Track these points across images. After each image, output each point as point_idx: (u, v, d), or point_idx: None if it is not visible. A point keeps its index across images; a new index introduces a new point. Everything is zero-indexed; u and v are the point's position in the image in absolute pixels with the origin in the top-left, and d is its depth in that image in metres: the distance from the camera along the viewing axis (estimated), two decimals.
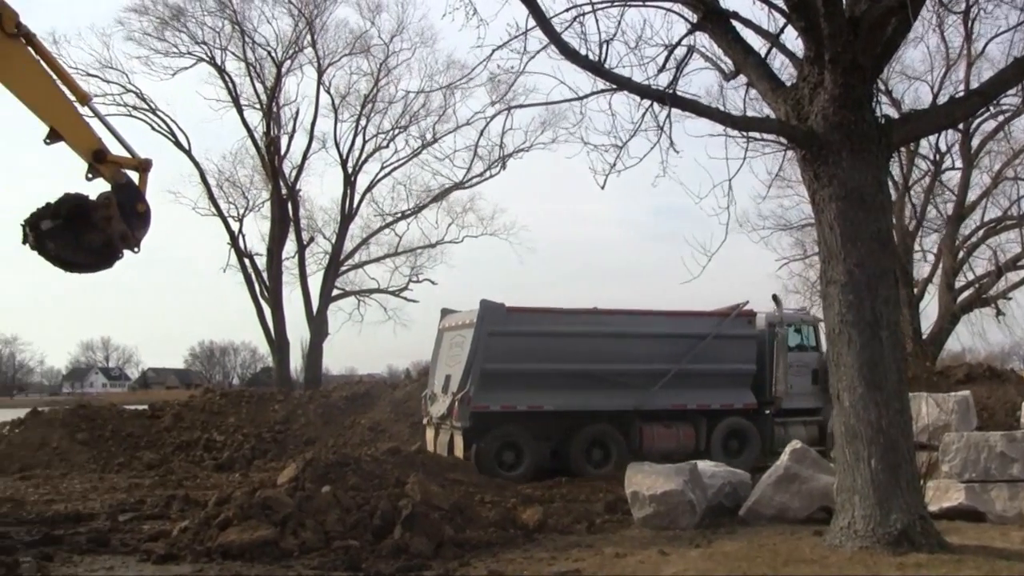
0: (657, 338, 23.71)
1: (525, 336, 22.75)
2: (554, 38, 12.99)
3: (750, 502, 15.26)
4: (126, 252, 17.50)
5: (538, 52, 13.65)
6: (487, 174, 48.69)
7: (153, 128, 46.84)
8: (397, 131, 49.51)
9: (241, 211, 49.77)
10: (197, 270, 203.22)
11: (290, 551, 12.31)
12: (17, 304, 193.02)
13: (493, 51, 13.77)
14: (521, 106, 15.97)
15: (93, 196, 17.28)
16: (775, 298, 25.31)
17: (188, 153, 47.70)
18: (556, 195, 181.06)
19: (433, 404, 23.99)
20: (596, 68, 13.21)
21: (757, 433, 24.32)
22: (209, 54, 47.27)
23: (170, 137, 47.14)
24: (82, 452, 27.73)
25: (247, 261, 48.40)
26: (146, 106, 46.83)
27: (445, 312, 26.08)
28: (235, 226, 49.14)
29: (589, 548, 12.84)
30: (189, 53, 47.01)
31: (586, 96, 14.02)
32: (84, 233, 16.96)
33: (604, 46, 13.42)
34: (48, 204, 17.05)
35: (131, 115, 46.16)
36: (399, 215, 50.62)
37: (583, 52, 13.18)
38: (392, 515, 12.93)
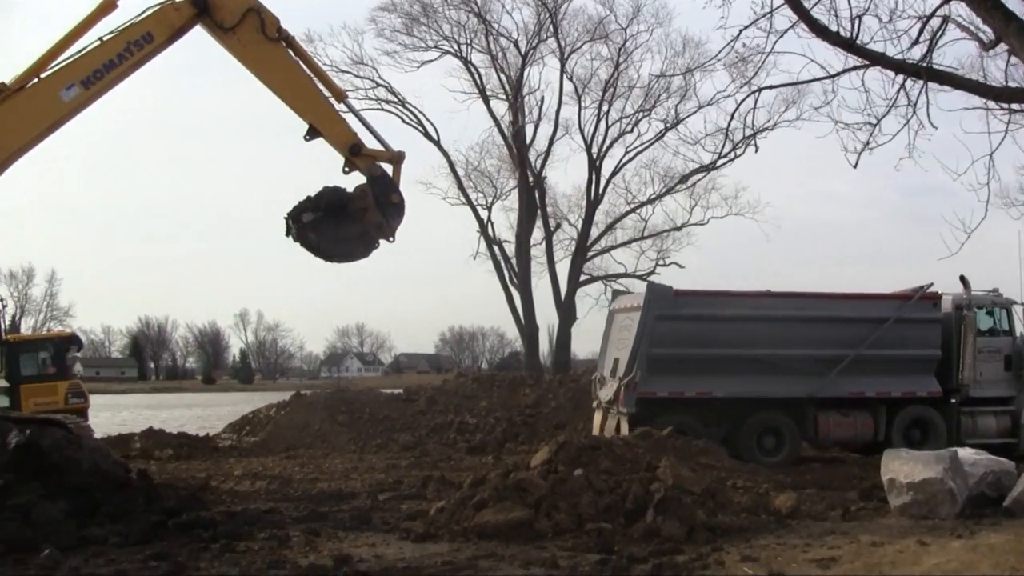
0: (833, 322, 22.78)
1: (693, 320, 22.25)
2: (804, 15, 12.74)
3: (1016, 492, 14.52)
4: (381, 242, 18.17)
5: (786, 31, 13.44)
6: (732, 155, 47.92)
7: (404, 121, 48.23)
8: (640, 115, 49.38)
9: (489, 200, 50.76)
10: (447, 258, 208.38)
11: (544, 532, 12.48)
12: (279, 293, 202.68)
13: (740, 31, 13.61)
14: (771, 87, 15.71)
15: (350, 189, 18.02)
16: (962, 279, 23.89)
17: (437, 144, 48.90)
18: (797, 174, 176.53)
19: (602, 388, 23.75)
20: (848, 44, 12.88)
21: (942, 423, 23.01)
22: (455, 47, 48.29)
23: (419, 129, 48.43)
24: (342, 433, 28.91)
25: (496, 248, 49.27)
26: (396, 99, 48.25)
27: (616, 294, 25.81)
28: (484, 214, 50.18)
29: (844, 536, 12.51)
30: (436, 47, 48.13)
31: (837, 74, 13.70)
32: (342, 224, 17.67)
33: (856, 21, 13.06)
34: (308, 197, 17.83)
35: (382, 109, 47.66)
36: (645, 199, 50.48)
37: (834, 28, 12.87)
38: (644, 499, 12.92)
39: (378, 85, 47.94)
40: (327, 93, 18.57)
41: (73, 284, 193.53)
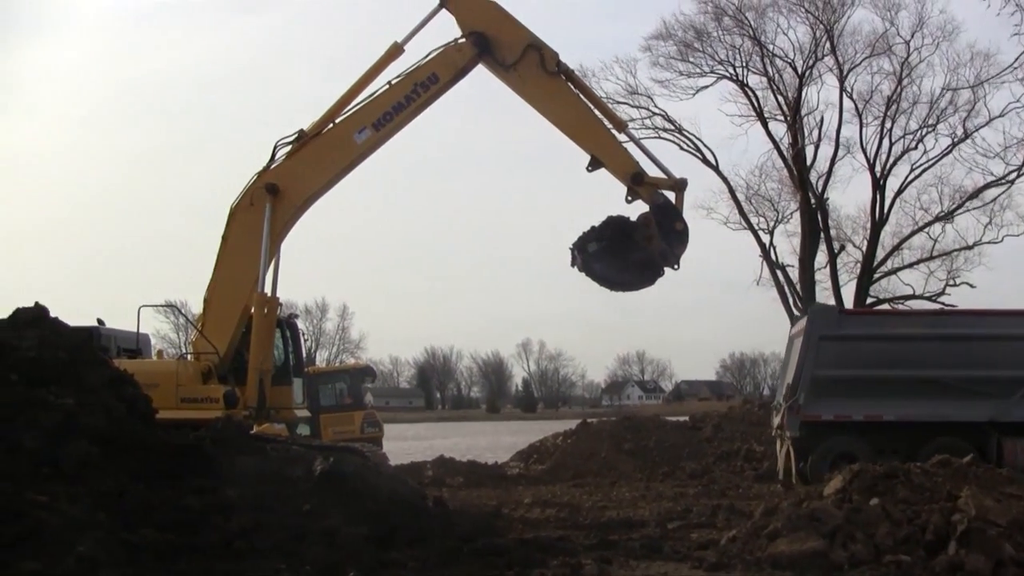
0: (1015, 341, 21.09)
1: (861, 340, 21.26)
2: None
3: None
4: (666, 269, 18.21)
5: None
6: None
7: (681, 148, 48.04)
8: (924, 131, 47.45)
9: (771, 224, 49.87)
10: (728, 283, 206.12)
11: (840, 564, 12.10)
12: (560, 322, 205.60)
13: None
14: None
15: (633, 218, 18.16)
16: None
17: (716, 169, 48.48)
18: None
19: (776, 415, 22.89)
20: None
21: None
22: (730, 71, 47.87)
23: (697, 155, 48.15)
24: (628, 461, 28.95)
25: (779, 273, 48.39)
26: (672, 127, 48.17)
27: (797, 318, 24.72)
28: (765, 239, 49.36)
29: None
30: (711, 72, 47.86)
31: None
32: (627, 253, 17.85)
33: None
34: (593, 227, 18.09)
35: (659, 137, 47.61)
36: (932, 218, 48.46)
37: None
38: (945, 530, 12.35)
39: (654, 114, 48.06)
40: (607, 124, 18.85)
41: (363, 317, 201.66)
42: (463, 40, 18.98)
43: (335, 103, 19.27)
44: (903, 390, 21.09)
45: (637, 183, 18.17)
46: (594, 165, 18.60)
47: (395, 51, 19.24)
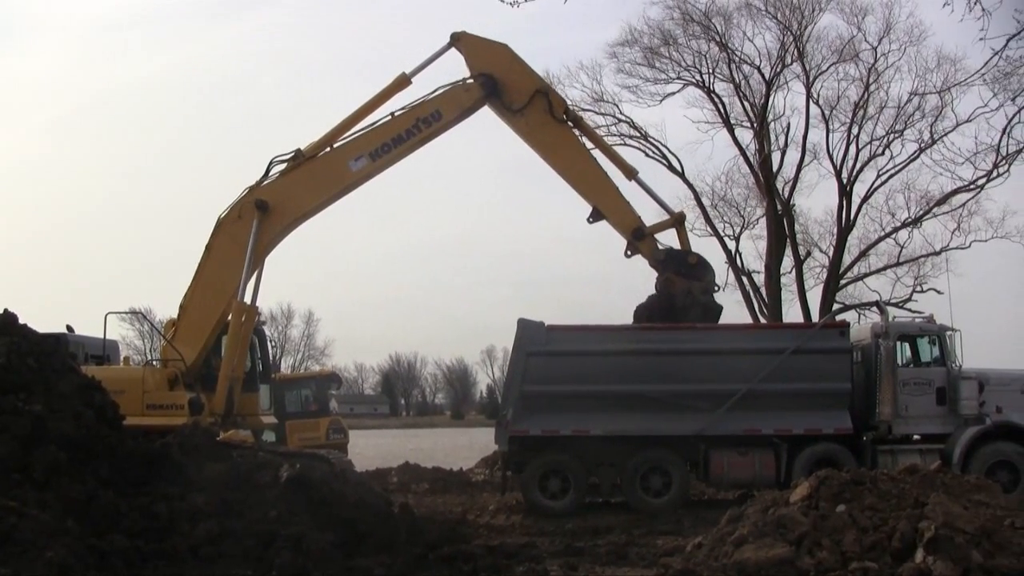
0: (721, 355, 21.13)
1: (567, 356, 21.15)
2: None
3: None
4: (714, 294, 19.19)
5: None
6: (996, 174, 45.38)
7: (647, 155, 47.92)
8: (892, 136, 47.64)
9: (737, 230, 49.87)
10: None
11: (806, 571, 12.15)
12: None
13: (1007, 42, 13.06)
14: None
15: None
16: (878, 305, 22.24)
17: (682, 176, 48.45)
18: None
19: None
20: None
21: (854, 462, 20.35)
22: (697, 78, 47.96)
23: (663, 162, 48.16)
24: None
25: (745, 279, 48.53)
26: (638, 134, 48.19)
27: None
28: (731, 245, 49.44)
29: None
30: (678, 78, 47.93)
31: None
32: (682, 315, 19.66)
33: None
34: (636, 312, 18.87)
35: (624, 144, 47.51)
36: (899, 224, 48.66)
37: None
38: (912, 537, 12.42)
39: (620, 121, 48.03)
40: (617, 170, 19.27)
41: (329, 324, 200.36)
42: (471, 81, 19.01)
43: (335, 127, 19.19)
44: (610, 405, 21.12)
45: (638, 238, 18.45)
46: (595, 217, 18.81)
47: (402, 82, 19.22)
